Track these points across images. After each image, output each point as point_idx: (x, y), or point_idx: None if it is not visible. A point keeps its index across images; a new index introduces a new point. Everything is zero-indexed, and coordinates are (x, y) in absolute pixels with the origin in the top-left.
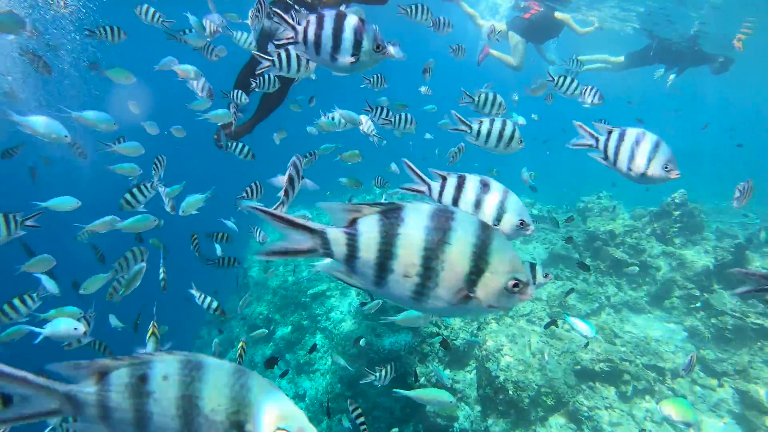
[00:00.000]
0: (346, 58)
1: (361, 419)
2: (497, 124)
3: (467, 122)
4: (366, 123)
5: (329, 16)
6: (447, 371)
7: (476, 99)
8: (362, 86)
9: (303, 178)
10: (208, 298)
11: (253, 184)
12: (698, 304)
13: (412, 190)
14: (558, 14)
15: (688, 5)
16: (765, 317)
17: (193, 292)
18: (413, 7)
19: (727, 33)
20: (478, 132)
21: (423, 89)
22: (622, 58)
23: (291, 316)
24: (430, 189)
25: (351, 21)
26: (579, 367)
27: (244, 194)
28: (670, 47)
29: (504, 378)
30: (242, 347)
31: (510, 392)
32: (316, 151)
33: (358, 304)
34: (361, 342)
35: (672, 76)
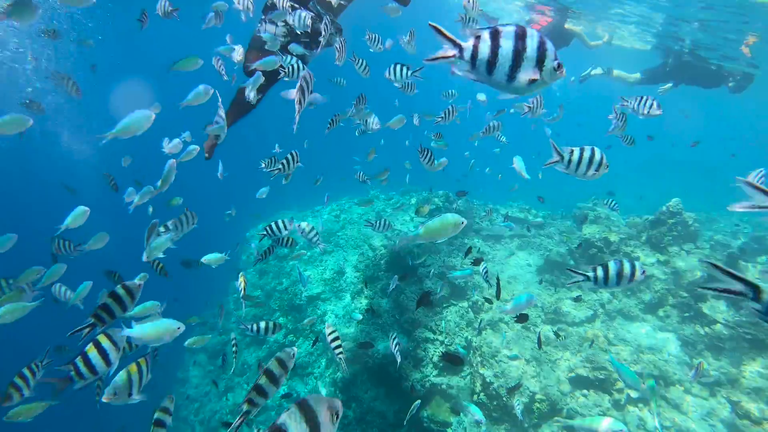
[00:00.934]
0: (527, 79)
1: (338, 342)
2: (586, 153)
3: (560, 152)
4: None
5: (507, 31)
6: (443, 377)
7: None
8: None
9: (312, 92)
10: (256, 324)
11: (289, 155)
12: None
13: (440, 58)
14: (569, 25)
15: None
16: (757, 327)
17: (246, 326)
18: (466, 17)
19: (725, 42)
20: (569, 161)
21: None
22: (638, 75)
23: (285, 318)
24: (461, 51)
25: (534, 37)
26: (573, 374)
27: (281, 166)
28: (686, 65)
29: (498, 384)
30: (242, 281)
31: (504, 399)
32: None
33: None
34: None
35: (669, 85)
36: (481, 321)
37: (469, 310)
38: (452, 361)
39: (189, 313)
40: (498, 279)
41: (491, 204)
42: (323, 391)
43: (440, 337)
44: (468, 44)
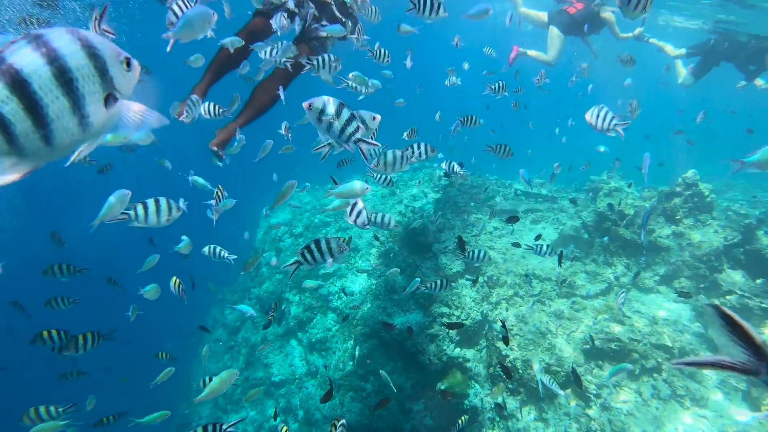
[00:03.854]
0: None
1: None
2: None
3: None
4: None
5: None
6: (457, 349)
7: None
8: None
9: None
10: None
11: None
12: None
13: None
14: (605, 13)
15: None
16: None
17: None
18: None
19: None
20: None
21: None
22: (683, 51)
23: (302, 295)
24: None
25: None
26: (588, 346)
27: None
28: (731, 40)
29: (514, 357)
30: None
31: (520, 371)
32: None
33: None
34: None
35: (743, 83)
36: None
37: (485, 284)
38: (507, 374)
39: (207, 294)
40: (504, 324)
41: (503, 179)
42: (343, 364)
43: (456, 312)
44: None
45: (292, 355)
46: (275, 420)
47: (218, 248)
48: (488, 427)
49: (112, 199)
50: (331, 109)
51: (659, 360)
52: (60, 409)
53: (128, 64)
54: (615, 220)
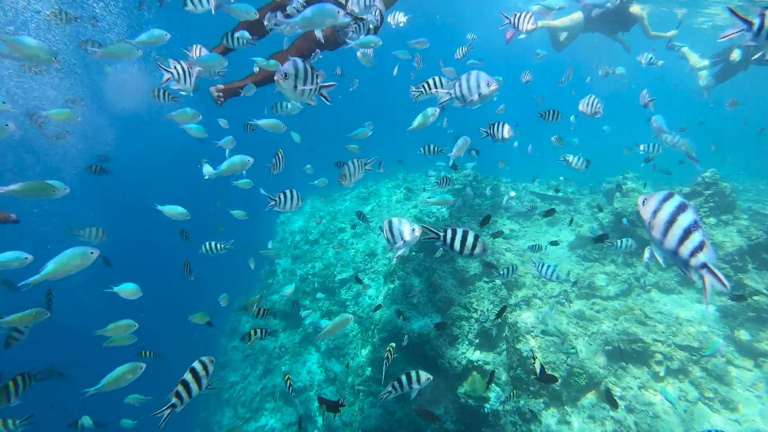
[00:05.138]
0: None
1: None
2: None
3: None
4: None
5: None
6: (477, 352)
7: None
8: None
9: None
10: None
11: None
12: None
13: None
14: (634, 8)
15: None
16: None
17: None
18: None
19: None
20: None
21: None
22: (706, 62)
23: (319, 301)
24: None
25: None
26: (610, 347)
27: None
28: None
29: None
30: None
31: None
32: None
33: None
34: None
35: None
36: (515, 297)
37: (503, 287)
38: (546, 380)
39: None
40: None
41: (518, 182)
42: (362, 370)
43: (474, 315)
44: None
45: (310, 362)
46: (299, 429)
47: (215, 243)
48: (510, 431)
49: (235, 159)
50: (301, 69)
51: (684, 361)
52: (18, 422)
53: None
54: (633, 221)
